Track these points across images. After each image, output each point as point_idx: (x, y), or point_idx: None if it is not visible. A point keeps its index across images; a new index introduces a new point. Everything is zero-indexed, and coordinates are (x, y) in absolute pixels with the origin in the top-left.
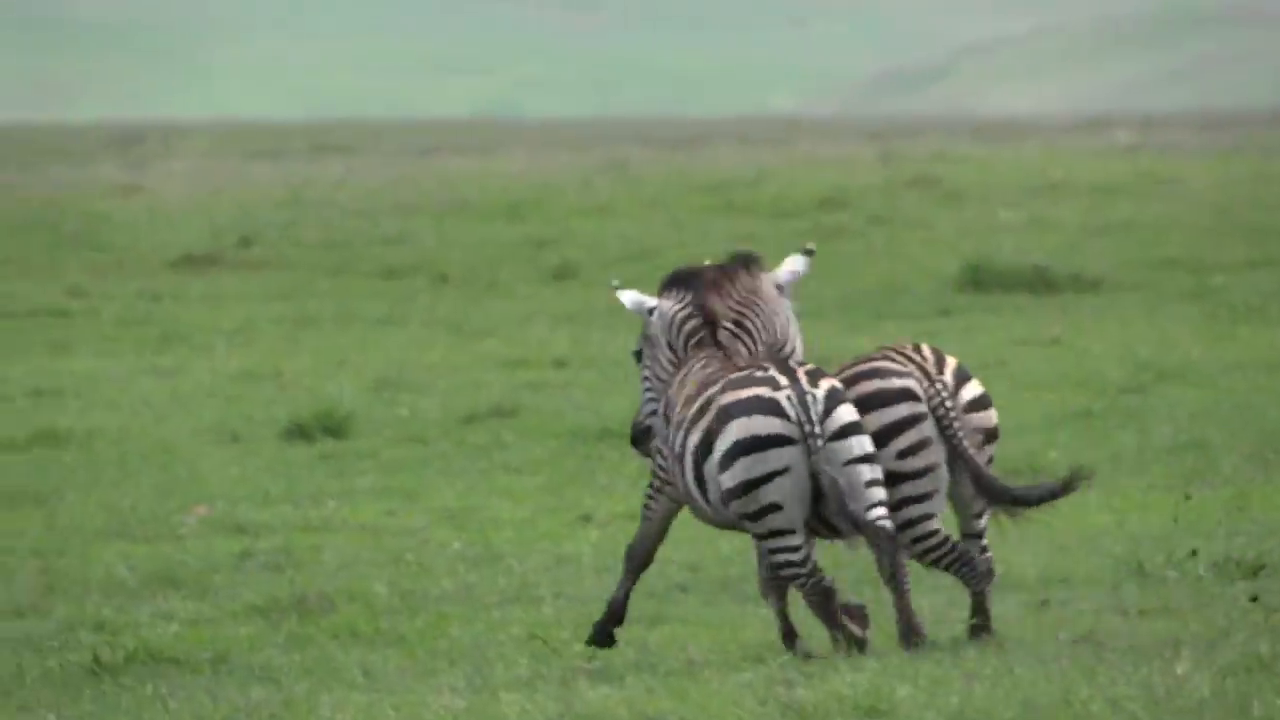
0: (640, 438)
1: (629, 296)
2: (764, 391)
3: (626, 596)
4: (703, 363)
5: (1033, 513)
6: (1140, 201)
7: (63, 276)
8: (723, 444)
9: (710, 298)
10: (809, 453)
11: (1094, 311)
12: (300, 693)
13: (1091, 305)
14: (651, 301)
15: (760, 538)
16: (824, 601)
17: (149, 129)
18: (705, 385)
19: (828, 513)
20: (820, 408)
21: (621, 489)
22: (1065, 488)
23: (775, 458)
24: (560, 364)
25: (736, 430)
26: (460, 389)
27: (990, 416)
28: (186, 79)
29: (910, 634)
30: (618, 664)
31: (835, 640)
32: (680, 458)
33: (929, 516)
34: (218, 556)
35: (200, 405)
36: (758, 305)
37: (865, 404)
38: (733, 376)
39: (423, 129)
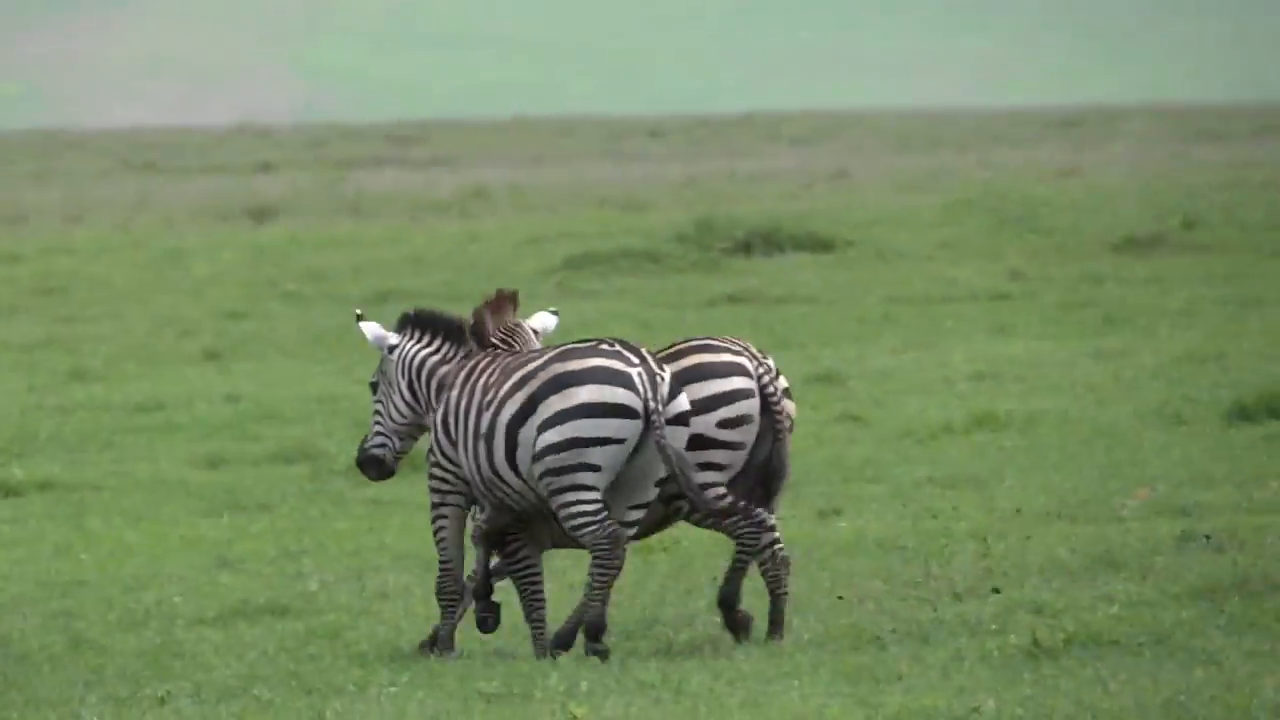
0: (366, 464)
1: (371, 329)
2: (616, 364)
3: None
4: (489, 358)
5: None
6: None
7: (1004, 259)
8: (559, 405)
9: (486, 315)
10: (648, 428)
11: None
12: (1243, 675)
13: None
14: (393, 339)
15: (559, 491)
16: (612, 546)
17: (1089, 111)
18: (517, 365)
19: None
20: (666, 390)
21: None
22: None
23: (615, 427)
24: None
25: (584, 395)
26: None
27: (793, 406)
28: (1125, 60)
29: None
30: None
31: (593, 599)
32: (487, 437)
33: (721, 484)
34: (1159, 538)
35: (1143, 388)
36: (520, 333)
37: (697, 374)
38: (571, 348)
39: None
